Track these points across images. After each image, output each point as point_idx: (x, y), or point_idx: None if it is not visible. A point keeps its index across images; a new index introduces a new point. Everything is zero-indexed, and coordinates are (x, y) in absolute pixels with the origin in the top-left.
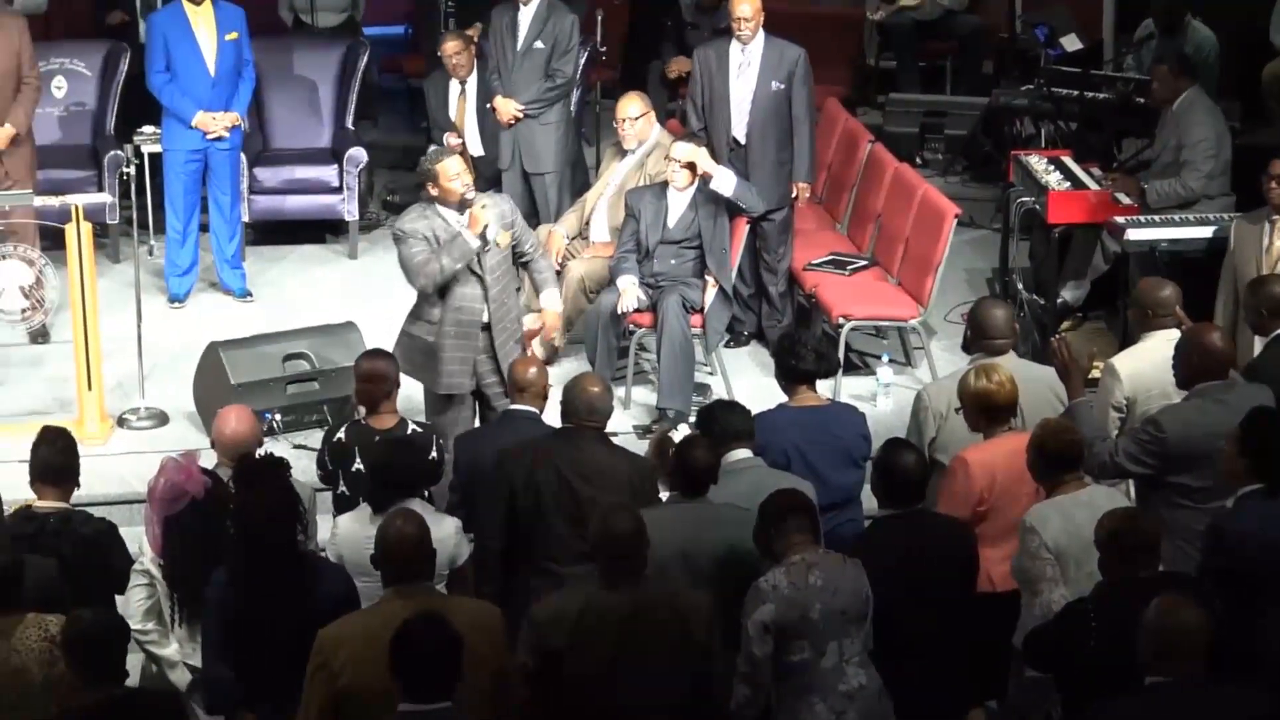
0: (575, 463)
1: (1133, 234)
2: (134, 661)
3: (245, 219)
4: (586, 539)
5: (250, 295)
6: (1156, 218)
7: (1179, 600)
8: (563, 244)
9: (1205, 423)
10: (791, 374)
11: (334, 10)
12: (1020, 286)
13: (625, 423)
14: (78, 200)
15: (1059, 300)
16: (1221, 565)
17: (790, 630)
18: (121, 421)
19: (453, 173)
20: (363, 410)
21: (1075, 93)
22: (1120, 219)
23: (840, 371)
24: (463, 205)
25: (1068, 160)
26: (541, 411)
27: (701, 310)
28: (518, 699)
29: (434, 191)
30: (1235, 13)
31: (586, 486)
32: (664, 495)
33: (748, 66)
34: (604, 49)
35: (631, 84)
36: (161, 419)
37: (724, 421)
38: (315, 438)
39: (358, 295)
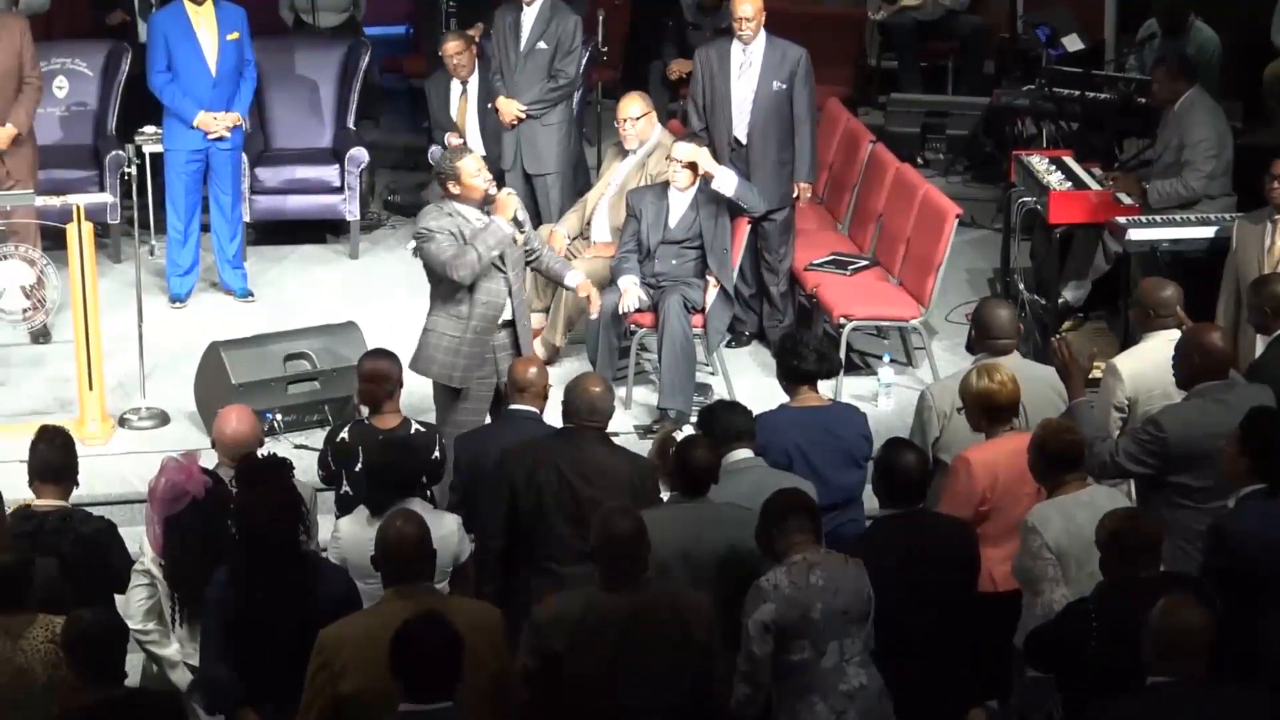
0: (576, 463)
1: (1134, 234)
2: (134, 661)
3: (246, 219)
4: (587, 539)
5: (251, 295)
6: (1158, 218)
7: (1183, 600)
8: (564, 244)
9: (1206, 423)
10: (793, 374)
11: (335, 10)
12: (1021, 286)
13: (626, 423)
14: (79, 200)
15: (1060, 300)
16: (1223, 565)
17: (791, 630)
18: (122, 421)
19: (474, 170)
20: (366, 410)
21: (1077, 93)
22: (1121, 219)
23: (841, 372)
24: (485, 201)
25: (1069, 160)
26: (542, 411)
27: (703, 310)
28: (518, 700)
29: (455, 190)
30: (1237, 13)
31: (587, 487)
32: (665, 495)
33: (749, 67)
34: (605, 49)
35: (633, 84)
36: (162, 419)
37: (725, 421)
38: (316, 438)
39: (359, 295)
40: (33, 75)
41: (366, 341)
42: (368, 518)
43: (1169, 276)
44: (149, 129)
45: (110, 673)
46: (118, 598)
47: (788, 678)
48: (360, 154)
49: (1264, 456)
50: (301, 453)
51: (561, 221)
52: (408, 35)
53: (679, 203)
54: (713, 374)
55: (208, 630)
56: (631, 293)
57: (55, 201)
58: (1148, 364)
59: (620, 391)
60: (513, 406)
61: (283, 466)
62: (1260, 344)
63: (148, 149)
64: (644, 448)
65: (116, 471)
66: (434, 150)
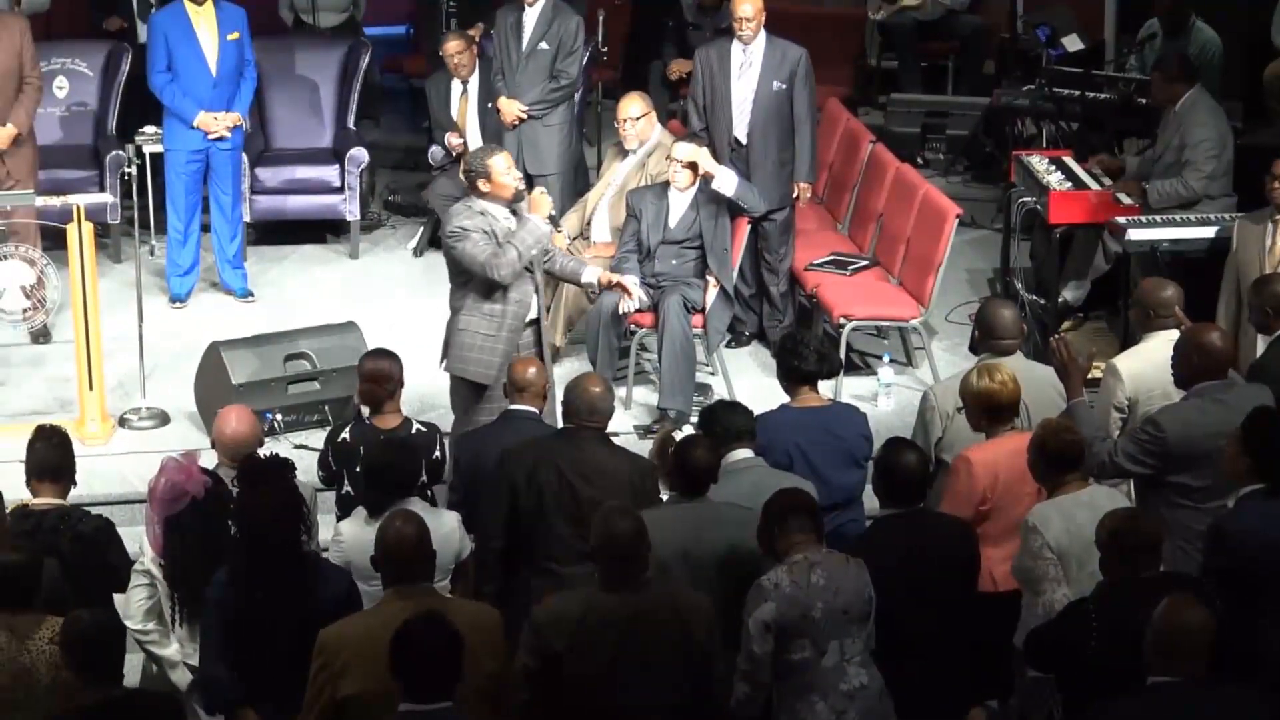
0: (576, 463)
1: (1134, 234)
2: (134, 661)
3: (246, 219)
4: (587, 539)
5: (251, 295)
6: (1158, 218)
7: (1185, 600)
8: (564, 245)
9: (1205, 422)
10: (793, 375)
11: (335, 10)
12: (1021, 287)
13: (626, 423)
14: (79, 200)
15: (1060, 300)
16: (1223, 565)
17: (791, 629)
18: (123, 421)
19: (504, 168)
20: (367, 410)
21: (1077, 93)
22: (1121, 219)
23: (841, 372)
24: (515, 199)
25: (1069, 160)
26: (541, 411)
27: (703, 310)
28: (518, 700)
29: (485, 188)
30: (1237, 14)
31: (587, 487)
32: (665, 496)
33: (749, 67)
34: (605, 49)
35: (633, 84)
36: (162, 419)
37: (726, 421)
38: (316, 438)
39: (359, 295)
40: (33, 75)
41: (367, 341)
42: (365, 518)
43: (1169, 276)
44: (149, 129)
45: (108, 673)
46: (117, 597)
47: (788, 677)
48: (360, 154)
49: (1266, 456)
50: (301, 453)
51: (562, 222)
52: (408, 35)
53: (679, 203)
54: (713, 374)
55: (208, 630)
56: (632, 292)
57: (55, 201)
58: (1148, 364)
59: (620, 391)
60: (512, 406)
61: (285, 467)
62: (1261, 344)
63: (148, 149)
64: (644, 448)
65: (116, 471)
66: (434, 150)
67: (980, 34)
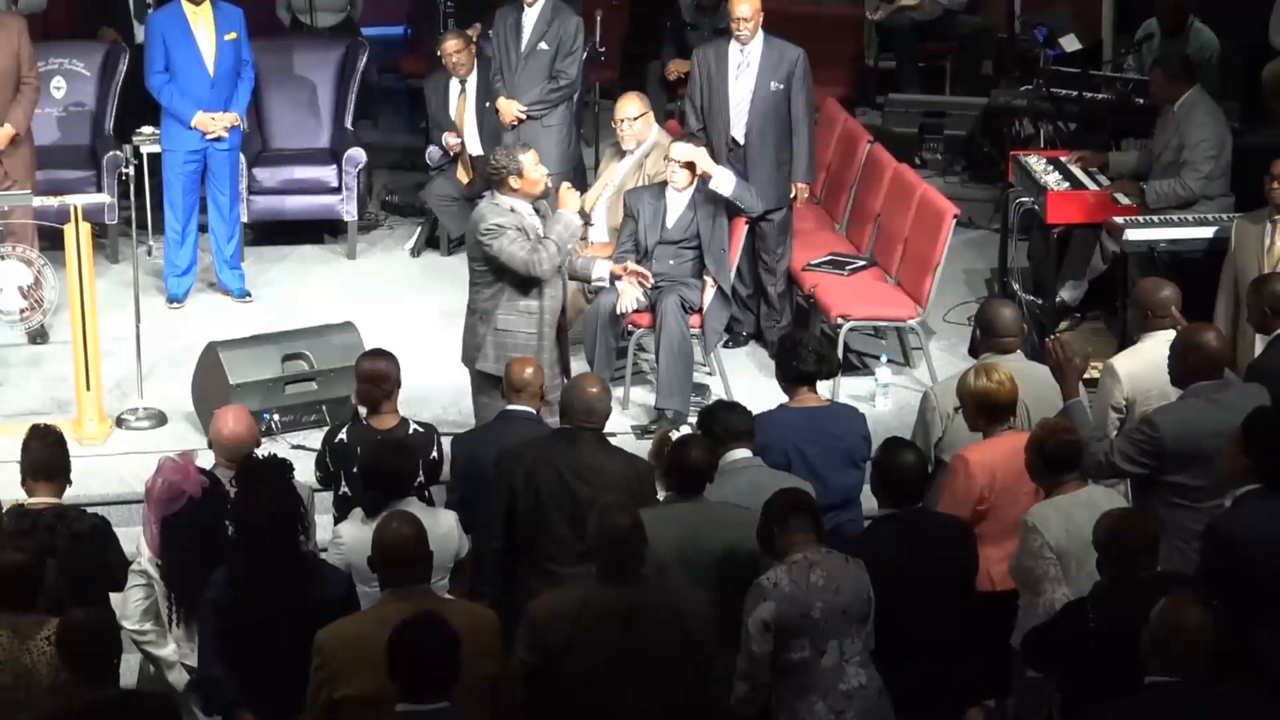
0: (574, 463)
1: (1131, 234)
2: (132, 662)
3: (244, 219)
4: (585, 540)
5: (249, 295)
6: (1155, 218)
7: (1183, 600)
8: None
9: (1201, 422)
10: (792, 375)
11: (332, 10)
12: (1018, 287)
13: (624, 423)
14: (76, 200)
15: (1057, 300)
16: (1221, 565)
17: (791, 628)
18: (120, 422)
19: (534, 164)
20: (364, 410)
21: (1074, 93)
22: (1119, 219)
23: (839, 372)
24: (542, 196)
25: (1067, 160)
26: (538, 411)
27: (700, 310)
28: (516, 698)
29: (515, 185)
30: (1236, 14)
31: (585, 487)
32: (662, 496)
33: (747, 67)
34: (603, 49)
35: (630, 84)
36: (160, 419)
37: (724, 421)
38: (314, 438)
39: (356, 296)
40: (30, 75)
41: (364, 342)
42: (362, 519)
43: (1166, 276)
44: (146, 129)
45: (104, 673)
46: (114, 597)
47: (787, 676)
48: (358, 154)
49: (1264, 456)
50: (299, 453)
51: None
52: (405, 35)
53: (676, 203)
54: (710, 374)
55: (205, 631)
56: (629, 293)
57: (53, 202)
58: (1146, 364)
59: (618, 392)
60: (509, 407)
61: (283, 467)
62: (1260, 343)
63: (145, 149)
64: (641, 448)
65: (114, 472)
66: (431, 151)
67: (978, 34)
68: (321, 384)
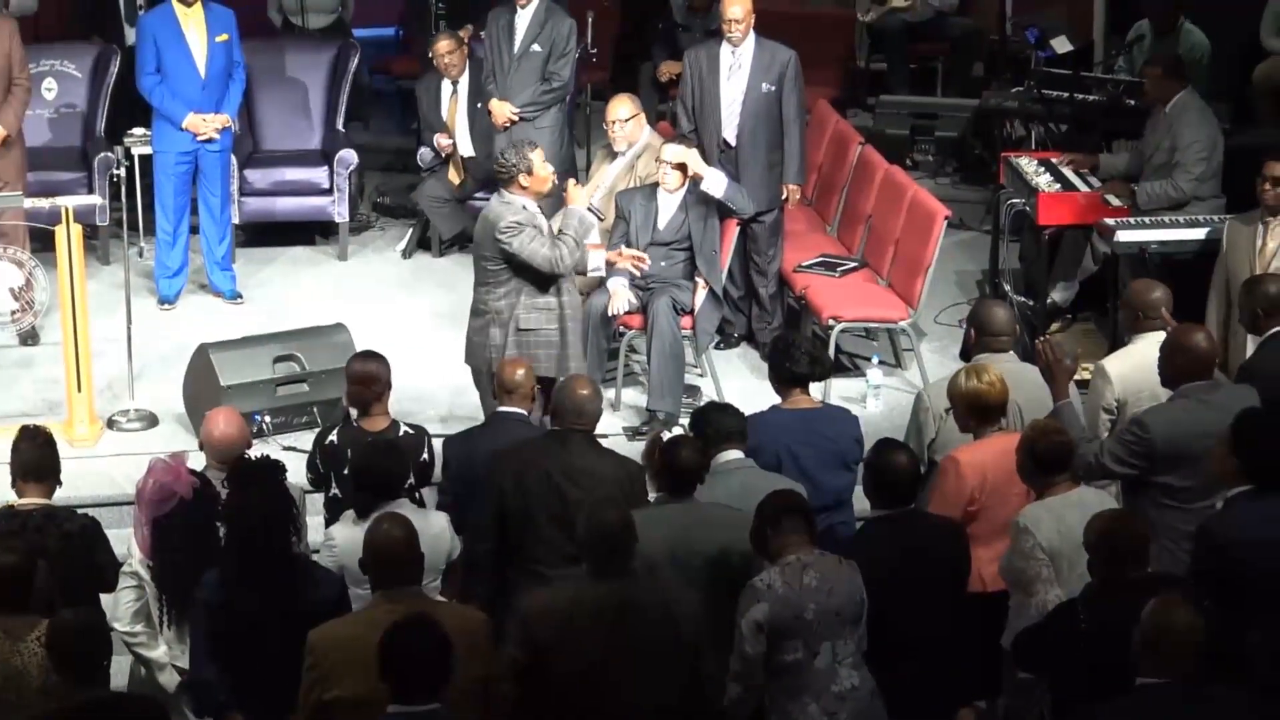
0: (564, 465)
1: (1122, 235)
2: (123, 663)
3: (235, 221)
4: (574, 542)
5: (240, 297)
6: (1146, 219)
7: (1173, 601)
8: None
9: (1191, 423)
10: (785, 377)
11: (323, 11)
12: (1009, 288)
13: (615, 425)
14: (68, 202)
15: (1048, 301)
16: (1211, 567)
17: (784, 630)
18: (111, 423)
19: (543, 161)
20: (355, 412)
21: (1065, 94)
22: (1110, 220)
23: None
24: (550, 193)
25: (1058, 162)
26: (529, 413)
27: (691, 312)
28: (507, 695)
29: (526, 183)
30: (1226, 16)
31: (575, 489)
32: (653, 498)
33: (738, 68)
34: (594, 51)
35: (622, 86)
36: (151, 421)
37: (716, 423)
38: (305, 439)
39: (347, 297)
40: (21, 77)
41: (355, 343)
42: (354, 520)
43: (1157, 278)
44: (138, 131)
45: (93, 675)
46: (105, 599)
47: (780, 678)
48: (349, 156)
49: (1253, 458)
50: (290, 455)
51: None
52: (397, 37)
53: (668, 204)
54: (702, 376)
55: (197, 632)
56: (620, 295)
57: (44, 203)
58: (1137, 366)
59: (609, 393)
60: (501, 408)
61: (275, 468)
62: (1251, 344)
63: (136, 151)
64: (633, 449)
65: (105, 473)
66: (423, 152)
67: (969, 36)
68: (313, 385)
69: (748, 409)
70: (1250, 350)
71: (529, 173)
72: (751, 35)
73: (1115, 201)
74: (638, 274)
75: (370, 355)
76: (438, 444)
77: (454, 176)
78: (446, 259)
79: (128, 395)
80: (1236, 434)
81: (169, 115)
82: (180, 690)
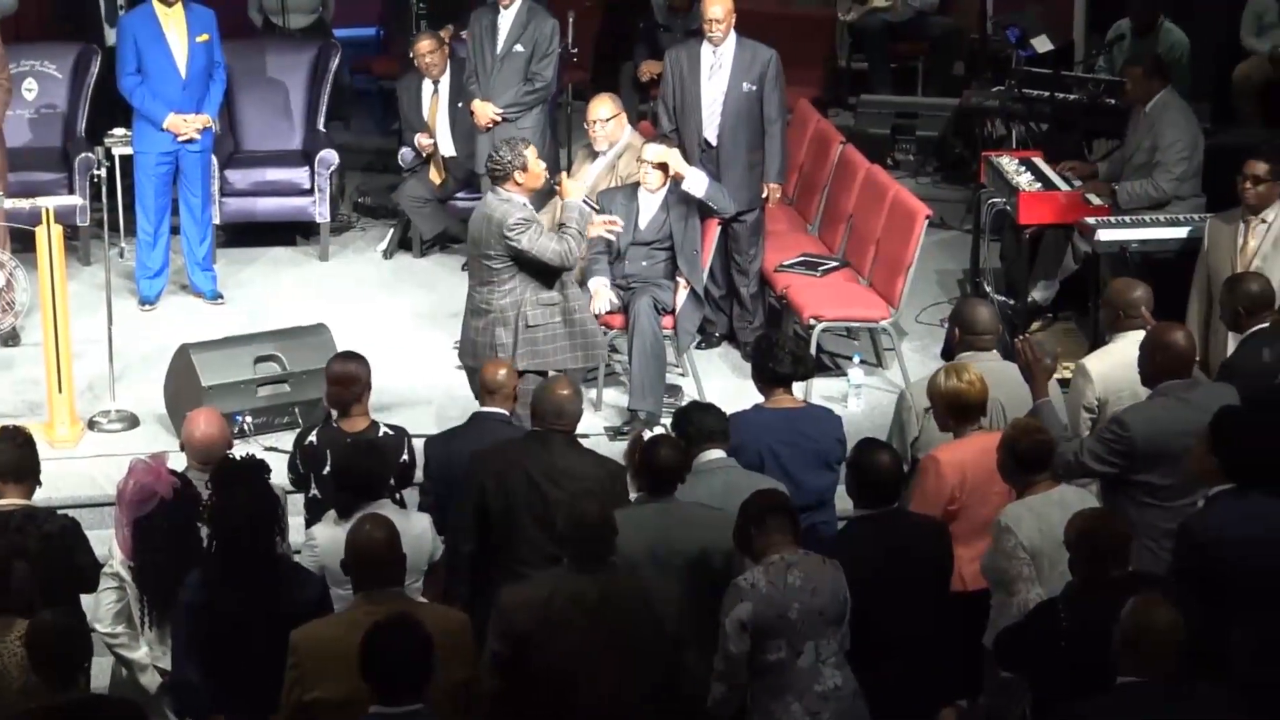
0: (545, 466)
1: (1103, 234)
2: (104, 664)
3: (216, 221)
4: (555, 542)
5: (221, 297)
6: (1127, 218)
7: (1153, 600)
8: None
9: (1170, 420)
10: (768, 376)
11: (304, 12)
12: (990, 287)
13: (597, 424)
14: (48, 203)
15: (1029, 300)
16: (1193, 565)
17: (768, 629)
18: (92, 424)
19: (535, 157)
20: (334, 413)
21: (1046, 94)
22: (1091, 219)
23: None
24: (542, 189)
25: (1039, 161)
26: (511, 413)
27: (673, 312)
28: (488, 689)
29: (520, 180)
30: (1206, 15)
31: (556, 489)
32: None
33: (719, 68)
34: (575, 50)
35: (603, 85)
36: (132, 421)
37: (698, 422)
38: (286, 440)
39: (329, 297)
40: (1, 77)
41: (336, 344)
42: (335, 521)
43: (1138, 277)
44: (118, 131)
45: (71, 676)
46: (86, 600)
47: (763, 677)
48: (330, 156)
49: (1231, 456)
50: (272, 455)
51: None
52: (377, 37)
53: (649, 204)
54: (683, 375)
55: (180, 634)
56: (602, 294)
57: (24, 204)
58: (1117, 365)
59: (590, 393)
60: (483, 409)
61: (260, 468)
62: (1232, 342)
63: (117, 151)
64: (614, 449)
65: (86, 474)
66: (404, 152)
67: (950, 35)
68: (294, 386)
69: (729, 408)
70: (1231, 349)
71: (524, 169)
72: (732, 35)
73: (1096, 200)
74: (613, 238)
75: (349, 356)
76: (418, 444)
77: (435, 176)
78: (427, 259)
79: (109, 396)
80: (1215, 432)
81: (149, 115)
82: (162, 691)
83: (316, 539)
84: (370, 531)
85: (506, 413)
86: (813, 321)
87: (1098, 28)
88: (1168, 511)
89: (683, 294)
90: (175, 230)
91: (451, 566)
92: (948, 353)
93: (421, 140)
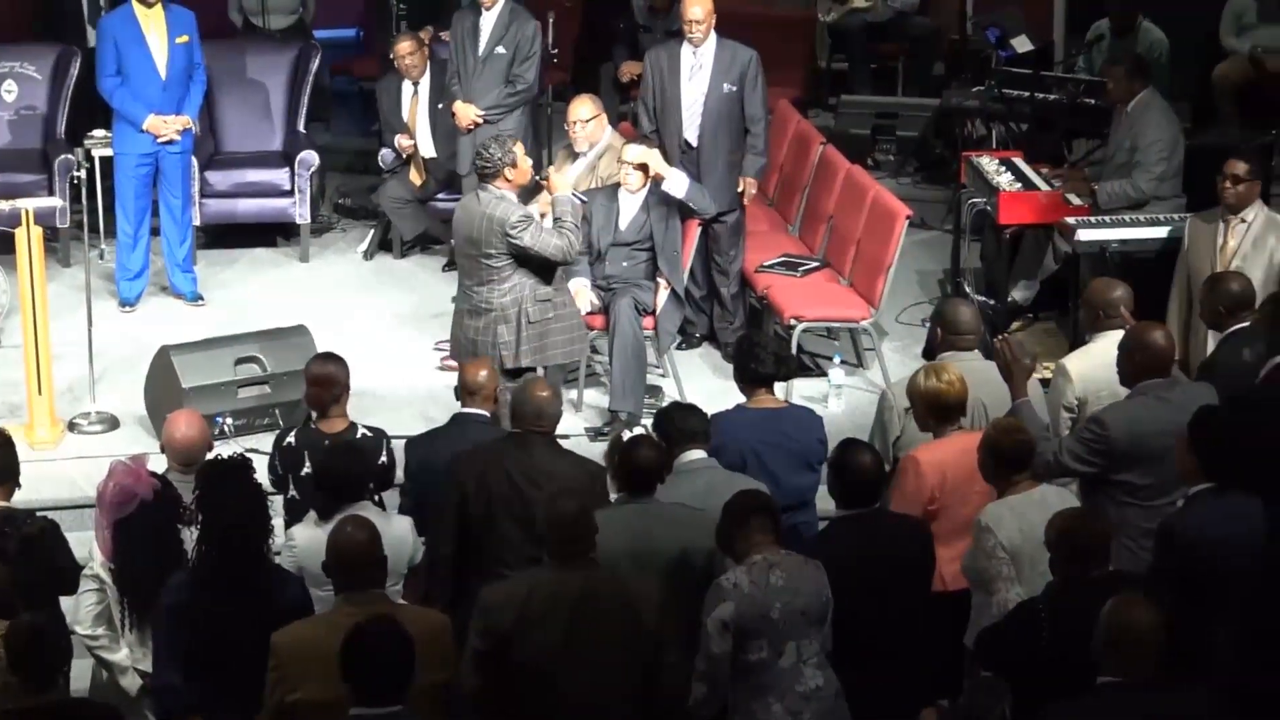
0: (525, 467)
1: (1083, 234)
2: (84, 667)
3: (196, 222)
4: (536, 543)
5: (201, 299)
6: (1107, 218)
7: (1133, 600)
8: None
9: (1149, 420)
10: (750, 377)
11: (284, 12)
12: (970, 288)
13: (577, 425)
14: (28, 204)
15: (1009, 300)
16: (1173, 565)
17: (750, 629)
18: (72, 426)
19: (524, 154)
20: (314, 414)
21: (1026, 94)
22: (1071, 219)
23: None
24: (532, 186)
25: (1019, 161)
26: (492, 414)
27: (653, 312)
28: (468, 686)
29: (510, 176)
30: (1186, 15)
31: (536, 491)
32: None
33: (699, 69)
34: (555, 51)
35: (583, 86)
36: (112, 423)
37: (680, 422)
38: (267, 441)
39: (309, 298)
40: None
41: (317, 345)
42: (315, 522)
43: (1118, 277)
44: (98, 133)
45: (49, 678)
46: (66, 602)
47: (745, 678)
48: (310, 157)
49: (1210, 455)
50: (252, 456)
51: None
52: (358, 38)
53: (630, 205)
54: (664, 376)
55: (160, 636)
56: (582, 295)
57: (4, 205)
58: (1097, 364)
59: (571, 394)
60: (463, 410)
61: (247, 467)
62: (1211, 342)
63: (97, 153)
64: (594, 450)
65: (66, 476)
66: (384, 153)
67: (930, 35)
68: (274, 387)
69: (710, 409)
70: (1210, 348)
71: (514, 165)
72: (713, 36)
73: (1076, 200)
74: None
75: (329, 357)
76: (398, 445)
77: (415, 177)
78: (408, 260)
79: (89, 398)
80: (1194, 432)
81: (129, 117)
82: (142, 694)
83: (296, 540)
84: (352, 533)
85: (487, 414)
86: (793, 322)
87: (1077, 28)
88: (1147, 511)
89: (663, 295)
90: (155, 232)
91: (431, 568)
92: (929, 352)
93: (402, 141)
